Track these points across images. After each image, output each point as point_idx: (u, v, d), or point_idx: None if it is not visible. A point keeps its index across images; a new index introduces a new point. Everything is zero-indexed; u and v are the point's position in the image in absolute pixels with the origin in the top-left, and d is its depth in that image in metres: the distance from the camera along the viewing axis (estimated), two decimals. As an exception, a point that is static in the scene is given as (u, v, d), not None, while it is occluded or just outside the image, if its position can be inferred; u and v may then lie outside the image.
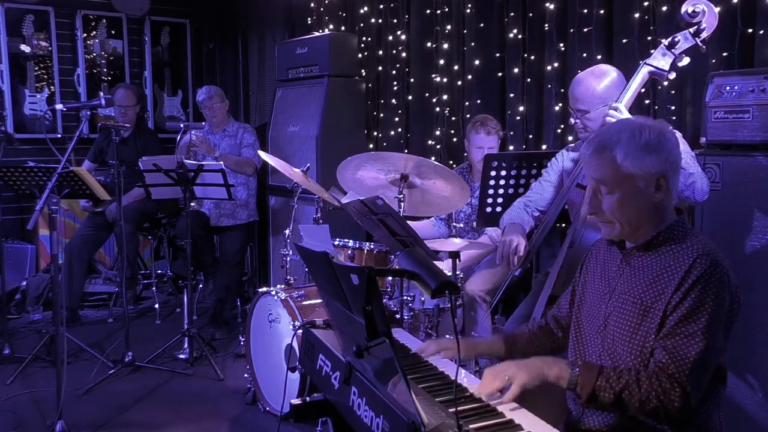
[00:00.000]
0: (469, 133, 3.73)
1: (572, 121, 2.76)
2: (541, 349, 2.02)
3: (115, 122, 4.76)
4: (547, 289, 2.51)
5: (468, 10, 4.24)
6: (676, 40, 2.49)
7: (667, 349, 1.59)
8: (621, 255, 1.81)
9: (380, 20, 4.92)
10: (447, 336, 3.42)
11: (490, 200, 3.26)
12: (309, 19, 5.57)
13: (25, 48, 5.68)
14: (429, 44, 4.55)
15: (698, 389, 1.59)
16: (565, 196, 2.72)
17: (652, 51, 2.57)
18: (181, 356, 4.15)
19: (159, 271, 5.66)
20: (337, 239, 3.44)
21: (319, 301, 3.18)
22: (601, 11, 3.51)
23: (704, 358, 1.57)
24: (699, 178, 2.45)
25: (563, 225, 3.13)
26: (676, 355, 1.58)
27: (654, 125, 1.73)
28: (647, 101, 3.36)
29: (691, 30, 2.47)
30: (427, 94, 4.61)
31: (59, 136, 5.78)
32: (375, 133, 5.08)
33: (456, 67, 4.37)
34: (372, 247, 3.42)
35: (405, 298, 3.26)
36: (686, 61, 2.51)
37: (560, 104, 3.75)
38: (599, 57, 3.50)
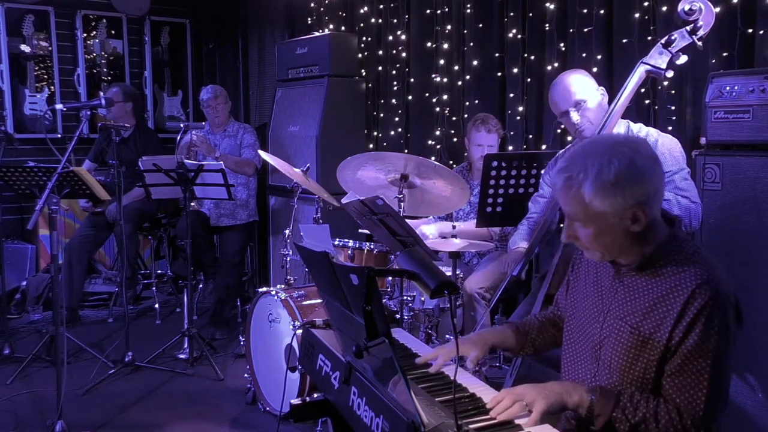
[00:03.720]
0: (469, 131, 3.74)
1: (574, 119, 2.74)
2: (551, 340, 1.98)
3: (114, 122, 4.76)
4: (544, 288, 2.52)
5: (468, 10, 4.25)
6: (673, 38, 2.49)
7: (678, 389, 1.55)
8: (613, 271, 1.72)
9: (380, 20, 4.92)
10: (447, 336, 3.42)
11: (490, 200, 3.26)
12: (309, 19, 5.57)
13: (25, 48, 5.68)
14: (429, 44, 4.55)
15: (714, 421, 1.57)
16: None
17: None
18: (181, 356, 4.15)
19: (159, 271, 5.66)
20: (337, 239, 3.45)
21: (319, 301, 3.18)
22: (601, 11, 3.51)
23: (715, 392, 1.54)
24: (686, 216, 2.49)
25: (562, 225, 3.13)
26: (689, 396, 1.54)
27: (626, 150, 1.56)
28: (647, 101, 3.36)
29: (688, 28, 2.47)
30: (427, 94, 4.61)
31: (59, 136, 5.78)
32: (375, 133, 5.08)
33: (456, 67, 4.37)
34: (372, 247, 3.42)
35: (405, 298, 3.26)
36: (684, 59, 2.52)
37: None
38: (599, 57, 3.51)
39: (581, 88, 2.73)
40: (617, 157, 1.55)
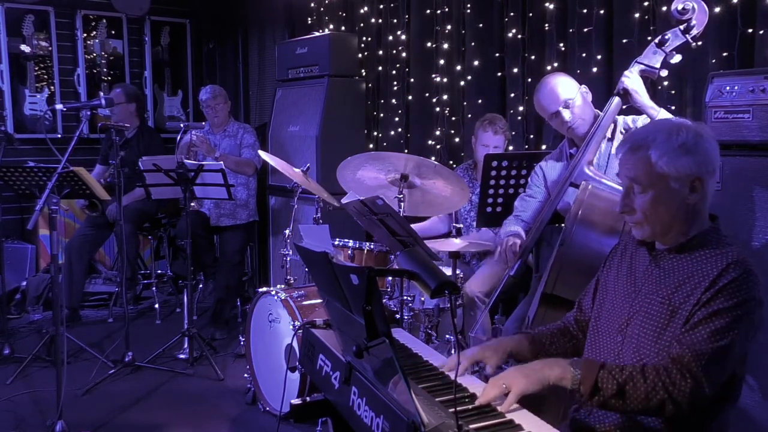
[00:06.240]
0: (477, 130, 3.74)
1: (566, 117, 2.76)
2: (560, 350, 1.97)
3: (115, 123, 4.75)
4: (540, 288, 2.52)
5: (468, 10, 4.24)
6: (666, 37, 2.52)
7: (685, 342, 1.57)
8: (649, 257, 1.78)
9: (380, 20, 4.92)
10: (447, 336, 3.42)
11: (490, 200, 3.26)
12: (309, 19, 5.58)
13: (25, 48, 5.68)
14: (429, 44, 4.55)
15: (712, 383, 1.56)
16: (558, 198, 2.73)
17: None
18: (181, 356, 4.15)
19: (159, 271, 5.66)
20: (337, 239, 3.45)
21: (319, 301, 3.18)
22: (601, 11, 3.51)
23: (722, 356, 1.55)
24: None
25: (561, 225, 3.14)
26: (694, 347, 1.55)
27: (692, 126, 1.70)
28: (647, 101, 3.35)
29: (681, 27, 2.49)
30: (427, 94, 4.61)
31: (59, 136, 5.77)
32: (375, 133, 5.08)
33: (456, 68, 4.37)
34: (372, 247, 3.42)
35: (405, 298, 3.26)
36: (678, 58, 2.53)
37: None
38: (599, 57, 3.51)
39: (566, 88, 2.79)
40: (684, 128, 1.68)
